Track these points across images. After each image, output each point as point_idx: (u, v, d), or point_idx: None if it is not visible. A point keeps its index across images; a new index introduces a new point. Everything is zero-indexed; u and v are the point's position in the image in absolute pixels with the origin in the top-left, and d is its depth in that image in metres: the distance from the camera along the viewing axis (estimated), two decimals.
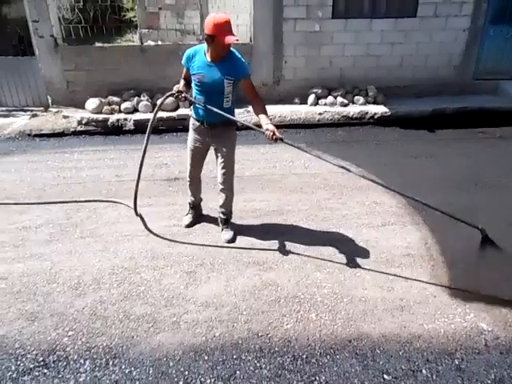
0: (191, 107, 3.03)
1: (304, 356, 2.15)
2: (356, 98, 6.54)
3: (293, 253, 3.04)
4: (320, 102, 6.55)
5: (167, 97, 2.88)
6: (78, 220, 3.53)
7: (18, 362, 2.11)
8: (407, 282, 2.72)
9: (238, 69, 2.75)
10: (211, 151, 3.14)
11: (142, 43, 6.75)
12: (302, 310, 2.46)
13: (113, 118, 6.12)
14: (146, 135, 2.82)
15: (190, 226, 3.45)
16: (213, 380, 2.01)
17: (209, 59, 2.75)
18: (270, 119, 2.87)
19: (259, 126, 2.86)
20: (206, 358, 2.15)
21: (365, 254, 3.02)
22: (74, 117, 6.17)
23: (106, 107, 6.26)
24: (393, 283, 2.72)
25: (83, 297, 2.59)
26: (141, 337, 2.28)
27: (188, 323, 2.37)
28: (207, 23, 2.61)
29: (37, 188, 4.16)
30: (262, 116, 2.83)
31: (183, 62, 2.89)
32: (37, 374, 2.05)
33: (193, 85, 2.90)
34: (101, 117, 6.12)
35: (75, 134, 5.99)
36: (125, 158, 5.05)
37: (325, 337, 2.27)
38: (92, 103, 6.25)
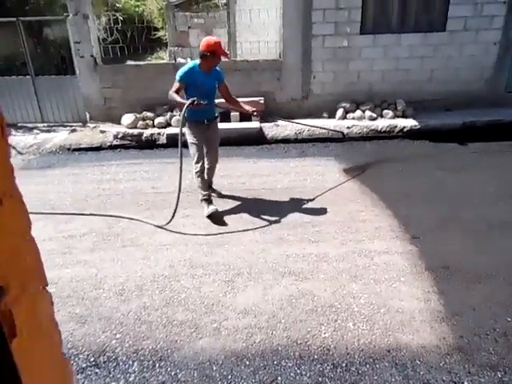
0: (180, 115, 3.73)
1: (343, 364, 2.19)
2: (385, 111, 6.57)
3: (327, 263, 3.09)
4: (348, 116, 6.62)
5: (187, 107, 3.49)
6: (118, 230, 3.70)
7: (72, 362, 2.24)
8: (444, 295, 2.72)
9: (220, 76, 3.81)
10: None
11: (175, 60, 7.03)
12: (339, 320, 2.50)
13: (147, 132, 6.38)
14: (179, 152, 3.59)
15: (216, 213, 3.82)
16: None
17: (203, 71, 3.64)
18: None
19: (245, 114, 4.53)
20: (248, 363, 2.22)
21: (400, 265, 3.04)
22: (110, 131, 6.46)
23: (140, 122, 6.54)
24: (430, 295, 2.72)
25: (128, 302, 2.72)
26: (184, 341, 2.37)
27: (228, 329, 2.45)
28: (207, 44, 3.50)
29: (79, 199, 4.38)
30: (243, 104, 4.01)
31: (180, 79, 3.62)
32: (89, 372, 2.17)
33: (190, 94, 3.61)
34: (136, 131, 6.39)
35: (111, 147, 6.27)
36: (159, 171, 5.25)
37: (363, 346, 2.30)
38: (127, 118, 6.54)
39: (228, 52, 3.62)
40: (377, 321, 2.49)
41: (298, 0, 6.36)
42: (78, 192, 4.59)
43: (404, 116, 6.57)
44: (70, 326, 2.51)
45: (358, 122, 6.44)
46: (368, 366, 2.17)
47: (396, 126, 6.28)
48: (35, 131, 6.95)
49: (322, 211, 3.94)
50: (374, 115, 6.51)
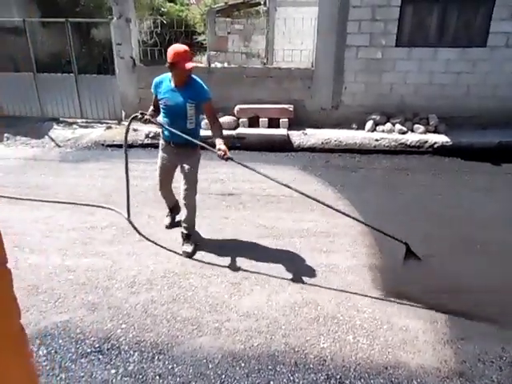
0: (162, 130, 3.35)
1: (338, 376, 2.18)
2: (416, 126, 6.44)
3: (335, 274, 3.08)
4: (378, 128, 6.54)
5: (132, 119, 3.29)
6: (138, 224, 3.85)
7: (78, 346, 2.37)
8: (452, 317, 2.64)
9: (198, 93, 3.07)
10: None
11: (209, 65, 7.22)
12: (339, 331, 2.50)
13: None
14: (124, 151, 3.64)
15: (169, 227, 3.77)
16: None
17: (173, 85, 3.08)
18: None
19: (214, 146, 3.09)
20: (243, 364, 2.26)
21: (410, 284, 2.98)
22: (142, 130, 6.71)
23: None
24: (437, 316, 2.65)
25: (137, 295, 2.83)
26: (185, 337, 2.45)
27: (229, 330, 2.51)
28: (169, 53, 2.97)
29: (105, 193, 4.59)
30: (218, 138, 3.10)
31: (152, 89, 3.22)
32: (92, 358, 2.28)
33: (161, 109, 3.21)
34: None
35: (142, 146, 6.51)
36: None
37: (360, 360, 2.28)
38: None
39: (193, 65, 2.97)
40: (378, 336, 2.46)
41: (334, 10, 6.37)
42: (106, 187, 4.80)
43: (436, 131, 6.41)
44: (81, 312, 2.64)
45: (388, 134, 6.35)
46: (362, 380, 2.16)
47: (426, 142, 6.13)
48: (74, 126, 7.33)
49: (338, 222, 3.92)
50: (405, 129, 6.39)
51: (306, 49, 7.28)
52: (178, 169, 3.36)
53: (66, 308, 2.69)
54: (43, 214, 4.05)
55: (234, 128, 6.71)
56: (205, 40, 14.54)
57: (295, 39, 8.77)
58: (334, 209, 3.15)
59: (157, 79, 3.20)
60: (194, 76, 3.13)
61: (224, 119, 6.74)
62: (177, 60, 2.94)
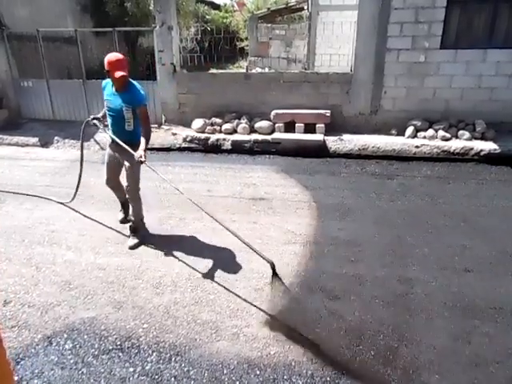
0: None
1: None
2: (460, 132, 6.10)
3: (362, 286, 2.97)
4: (419, 134, 6.27)
5: (86, 122, 3.74)
6: (168, 227, 3.94)
7: (101, 342, 2.45)
8: (488, 337, 2.45)
9: (133, 98, 3.30)
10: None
11: (247, 70, 7.29)
12: (361, 345, 2.40)
13: (213, 137, 6.68)
14: (80, 146, 4.15)
15: (122, 222, 3.95)
16: None
17: (113, 89, 3.35)
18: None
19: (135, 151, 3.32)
20: (258, 372, 2.22)
21: (441, 298, 2.81)
22: (180, 134, 6.90)
23: (208, 127, 6.87)
24: (470, 336, 2.48)
25: (161, 296, 2.89)
26: (203, 341, 2.46)
27: (247, 336, 2.49)
28: (105, 62, 3.22)
29: None
30: (142, 142, 3.32)
31: (103, 92, 3.50)
32: (113, 355, 2.35)
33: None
34: (203, 136, 6.74)
35: (180, 149, 6.68)
36: (218, 175, 5.47)
37: (381, 377, 2.17)
38: (197, 123, 6.92)
39: (122, 74, 3.15)
40: (402, 355, 2.33)
41: (375, 12, 6.21)
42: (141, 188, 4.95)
43: (483, 138, 6.03)
44: (107, 310, 2.73)
45: (429, 141, 6.06)
46: None
47: (472, 149, 5.79)
48: None
49: (368, 231, 3.79)
50: (448, 135, 6.07)
51: (346, 53, 7.15)
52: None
53: (93, 305, 2.79)
54: (80, 214, 4.25)
55: (270, 133, 6.70)
56: (247, 46, 14.74)
57: (335, 44, 8.65)
58: (221, 224, 3.00)
59: (103, 83, 3.50)
60: (132, 81, 3.38)
61: (260, 124, 6.76)
62: (108, 69, 3.22)
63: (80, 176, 4.24)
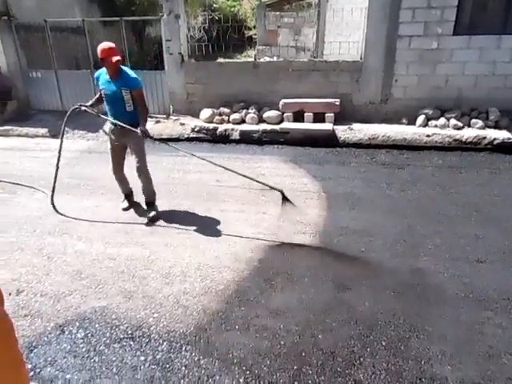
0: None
1: (367, 382, 2.08)
2: (473, 120, 5.98)
3: (372, 276, 2.94)
4: (430, 123, 6.17)
5: (73, 110, 3.82)
6: (177, 218, 3.94)
7: (112, 331, 2.47)
8: (501, 329, 2.42)
9: (130, 82, 3.58)
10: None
11: (255, 59, 7.20)
12: (372, 336, 2.38)
13: (221, 127, 6.65)
14: (60, 138, 4.15)
15: (126, 209, 4.13)
16: None
17: (108, 77, 3.61)
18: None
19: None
20: (268, 362, 2.22)
21: (453, 289, 2.78)
22: (189, 124, 6.87)
23: (217, 117, 6.83)
24: (483, 327, 2.45)
25: (171, 285, 2.90)
26: (213, 330, 2.46)
27: (257, 326, 2.48)
28: (98, 51, 3.48)
29: None
30: (142, 121, 3.61)
31: (96, 82, 3.77)
32: (124, 344, 2.37)
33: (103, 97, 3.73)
34: (211, 126, 6.71)
35: (188, 139, 6.67)
36: (227, 165, 5.42)
37: (392, 367, 2.16)
38: (205, 113, 6.88)
39: (118, 58, 3.44)
40: (414, 346, 2.31)
41: None
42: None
43: (497, 127, 5.91)
44: (118, 299, 2.75)
45: (441, 130, 5.96)
46: None
47: (485, 138, 5.68)
48: None
49: (379, 221, 3.75)
50: (460, 124, 5.96)
51: (356, 41, 7.02)
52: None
53: (104, 294, 2.82)
54: (91, 204, 4.28)
55: (279, 123, 6.65)
56: (255, 34, 14.56)
57: (345, 31, 8.50)
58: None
59: (97, 73, 3.76)
60: (124, 68, 3.65)
61: (268, 114, 6.70)
62: (104, 56, 3.47)
63: (57, 166, 4.01)
